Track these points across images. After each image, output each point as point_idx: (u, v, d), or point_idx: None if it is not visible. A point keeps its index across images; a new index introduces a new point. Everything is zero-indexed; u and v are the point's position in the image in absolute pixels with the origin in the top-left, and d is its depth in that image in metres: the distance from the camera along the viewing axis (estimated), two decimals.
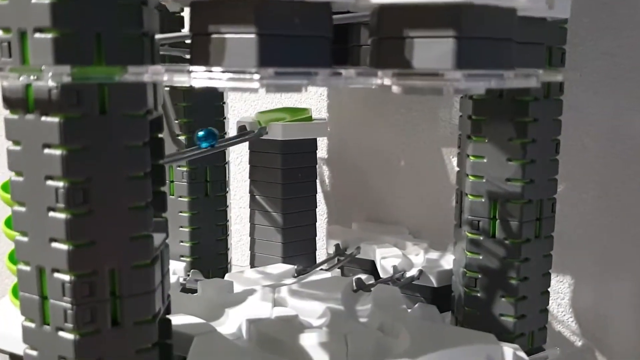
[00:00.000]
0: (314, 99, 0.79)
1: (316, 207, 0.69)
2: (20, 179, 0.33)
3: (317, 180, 0.70)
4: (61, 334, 0.33)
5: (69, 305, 0.33)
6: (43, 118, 0.32)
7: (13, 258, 0.43)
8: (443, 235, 0.67)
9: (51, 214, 0.32)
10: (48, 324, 0.34)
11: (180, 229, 0.66)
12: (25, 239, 0.34)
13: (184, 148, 0.46)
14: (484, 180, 0.51)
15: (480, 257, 0.51)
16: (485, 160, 0.51)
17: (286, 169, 0.66)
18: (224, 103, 0.68)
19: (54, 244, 0.33)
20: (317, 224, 0.69)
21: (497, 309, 0.51)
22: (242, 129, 0.66)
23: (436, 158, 0.74)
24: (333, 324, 0.48)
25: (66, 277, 0.32)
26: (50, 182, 0.32)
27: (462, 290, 0.53)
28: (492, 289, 0.51)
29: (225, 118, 0.68)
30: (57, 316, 0.33)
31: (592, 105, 0.64)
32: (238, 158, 0.83)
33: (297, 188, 0.66)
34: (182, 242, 0.66)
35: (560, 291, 0.68)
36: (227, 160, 0.69)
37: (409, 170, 0.76)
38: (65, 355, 0.33)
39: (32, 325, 0.34)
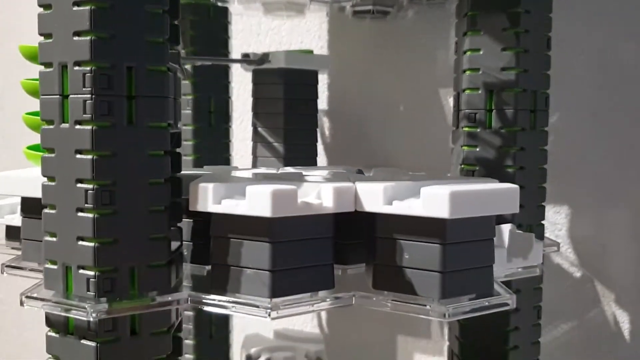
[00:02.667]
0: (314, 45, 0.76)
1: (317, 142, 0.70)
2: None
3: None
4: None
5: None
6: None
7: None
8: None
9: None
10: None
11: (184, 157, 0.67)
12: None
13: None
14: (480, 72, 0.52)
15: (477, 149, 0.53)
16: (481, 52, 0.52)
17: (288, 98, 0.66)
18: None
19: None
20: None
21: None
22: (245, 56, 0.67)
23: (434, 100, 0.71)
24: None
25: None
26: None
27: None
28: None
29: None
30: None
31: (581, 36, 0.64)
32: (241, 98, 0.80)
33: (298, 119, 0.67)
34: None
35: (558, 222, 0.67)
36: (230, 95, 0.69)
37: (409, 115, 0.73)
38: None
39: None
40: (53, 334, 0.38)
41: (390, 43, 0.74)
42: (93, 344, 0.36)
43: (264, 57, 0.65)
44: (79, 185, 0.36)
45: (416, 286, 0.37)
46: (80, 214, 0.36)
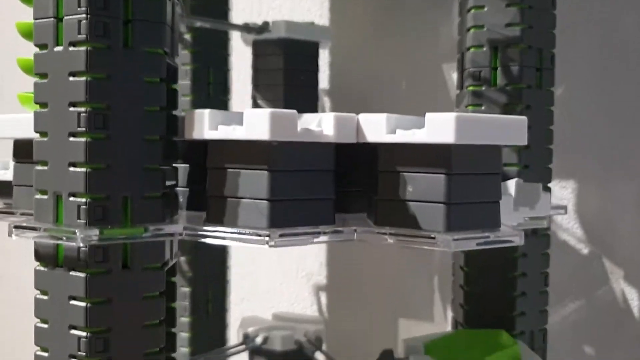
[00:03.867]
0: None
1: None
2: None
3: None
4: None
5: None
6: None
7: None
8: None
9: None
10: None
11: None
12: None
13: None
14: (484, 29, 0.52)
15: (483, 108, 0.52)
16: (485, 9, 0.52)
17: (288, 69, 0.65)
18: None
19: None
20: None
21: None
22: (245, 24, 0.66)
23: (437, 77, 0.70)
24: None
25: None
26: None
27: None
28: None
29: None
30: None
31: (585, 6, 0.63)
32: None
33: (299, 91, 0.66)
34: None
35: (564, 197, 0.66)
36: (229, 67, 0.69)
37: (411, 92, 0.72)
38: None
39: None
40: (42, 268, 0.36)
41: (392, 20, 0.73)
42: (83, 274, 0.35)
43: (264, 26, 0.64)
44: (71, 109, 0.34)
45: (420, 220, 0.36)
46: (72, 138, 0.34)
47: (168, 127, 0.37)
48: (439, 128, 0.34)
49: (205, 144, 0.39)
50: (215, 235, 0.35)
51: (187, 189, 0.42)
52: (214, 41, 0.67)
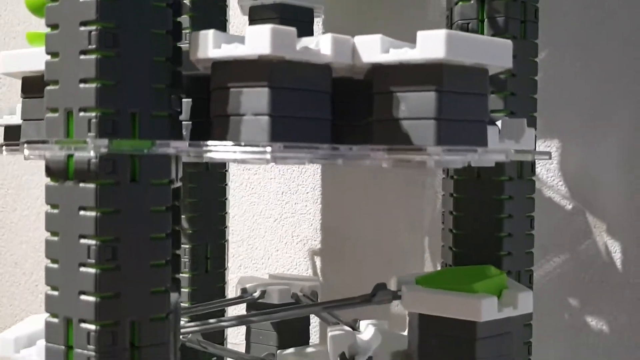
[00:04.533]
0: None
1: None
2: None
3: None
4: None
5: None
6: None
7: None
8: None
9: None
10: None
11: None
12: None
13: None
14: None
15: None
16: None
17: None
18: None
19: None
20: None
21: None
22: None
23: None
24: None
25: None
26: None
27: None
28: None
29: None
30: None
31: None
32: None
33: None
34: None
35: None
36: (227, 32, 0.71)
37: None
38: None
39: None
40: (52, 183, 0.38)
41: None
42: (93, 185, 0.36)
43: None
44: (82, 28, 0.36)
45: (413, 137, 0.38)
46: (82, 56, 0.36)
47: (174, 55, 0.39)
48: (430, 44, 0.36)
49: (207, 78, 0.41)
50: (219, 149, 0.37)
51: (190, 122, 0.44)
52: (212, 6, 0.69)
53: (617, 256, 0.67)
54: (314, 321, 0.78)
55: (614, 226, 0.67)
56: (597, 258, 0.67)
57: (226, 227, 0.72)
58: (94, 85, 0.36)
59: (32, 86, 0.45)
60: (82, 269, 0.37)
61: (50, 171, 0.38)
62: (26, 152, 0.37)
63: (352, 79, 0.46)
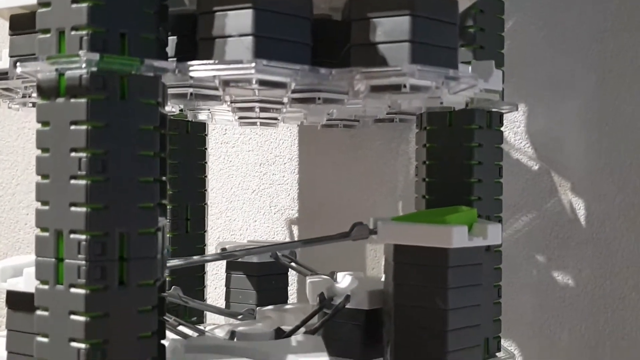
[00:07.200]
0: None
1: None
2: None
3: None
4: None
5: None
6: None
7: None
8: None
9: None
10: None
11: None
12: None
13: None
14: None
15: None
16: None
17: None
18: None
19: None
20: None
21: None
22: None
23: None
24: None
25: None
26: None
27: None
28: None
29: None
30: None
31: None
32: None
33: None
34: None
35: (517, 120, 0.72)
36: None
37: None
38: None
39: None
40: (43, 102, 0.40)
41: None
42: (84, 100, 0.38)
43: None
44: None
45: (389, 58, 0.40)
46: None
47: None
48: None
49: (192, 15, 0.43)
50: (204, 68, 0.39)
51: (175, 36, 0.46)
52: None
53: (581, 213, 0.70)
54: (292, 281, 0.79)
55: (578, 185, 0.70)
56: (563, 215, 0.70)
57: (206, 190, 0.74)
58: (85, 4, 0.38)
59: (21, 23, 0.47)
60: (73, 181, 0.39)
61: (41, 90, 0.40)
62: (19, 69, 0.39)
63: (331, 19, 0.48)
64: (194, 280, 0.72)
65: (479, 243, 0.49)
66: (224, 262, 0.74)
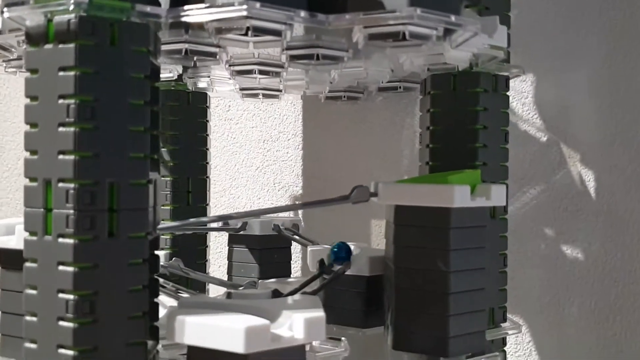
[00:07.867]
0: None
1: None
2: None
3: None
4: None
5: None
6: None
7: None
8: None
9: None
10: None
11: None
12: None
13: None
14: None
15: None
16: None
17: None
18: None
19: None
20: None
21: None
22: None
23: None
24: None
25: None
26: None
27: None
28: None
29: None
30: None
31: None
32: None
33: None
34: None
35: (524, 90, 0.70)
36: None
37: None
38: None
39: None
40: (32, 49, 0.39)
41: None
42: (72, 45, 0.37)
43: None
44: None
45: (387, 3, 0.39)
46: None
47: None
48: None
49: None
50: (197, 12, 0.38)
51: None
52: None
53: (590, 185, 0.68)
54: (297, 259, 0.78)
55: (587, 156, 0.68)
56: (572, 187, 0.69)
57: (207, 163, 0.73)
58: None
59: None
60: (61, 128, 0.38)
61: (30, 37, 0.39)
62: (6, 14, 0.38)
63: None
64: (195, 254, 0.71)
65: (482, 203, 0.48)
66: (226, 241, 0.73)
